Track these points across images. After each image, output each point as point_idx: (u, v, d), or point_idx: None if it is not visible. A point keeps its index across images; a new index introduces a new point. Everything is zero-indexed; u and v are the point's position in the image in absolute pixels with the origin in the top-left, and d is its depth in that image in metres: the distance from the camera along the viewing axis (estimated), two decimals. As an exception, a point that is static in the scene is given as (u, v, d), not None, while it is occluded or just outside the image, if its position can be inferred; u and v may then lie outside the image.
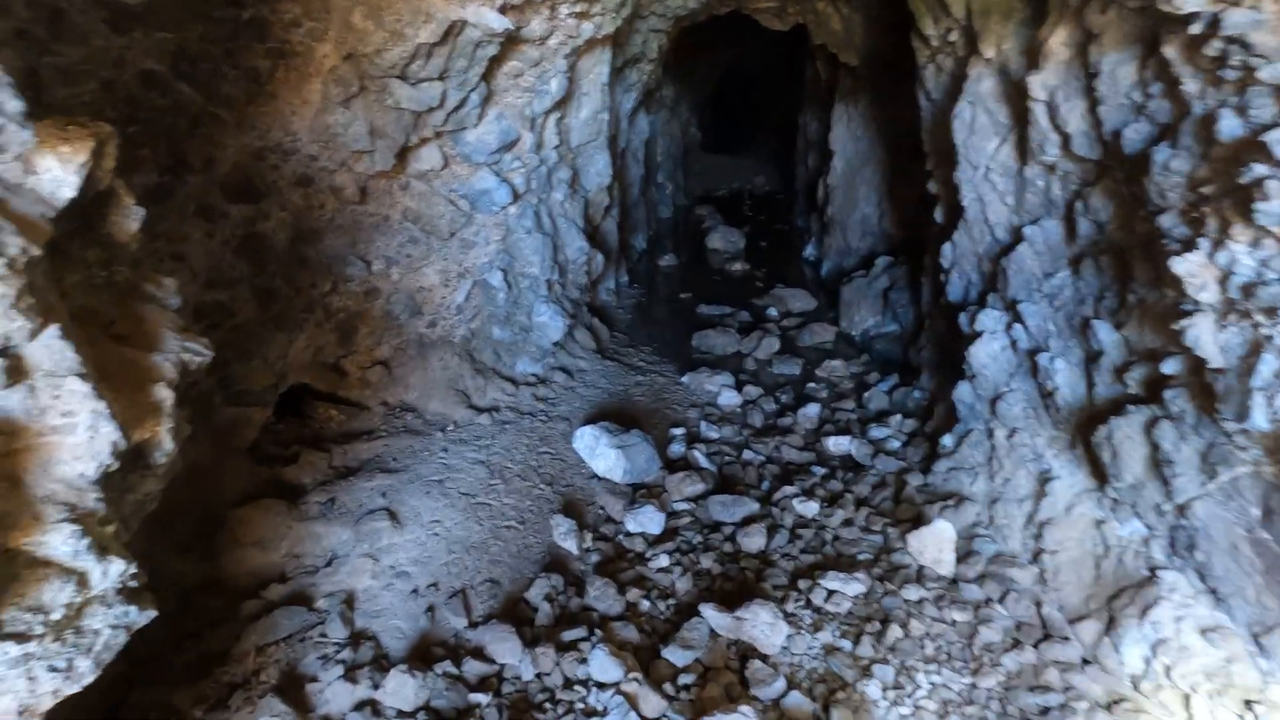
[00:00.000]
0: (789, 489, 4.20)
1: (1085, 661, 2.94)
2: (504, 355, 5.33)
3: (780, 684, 2.81)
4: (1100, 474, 3.17)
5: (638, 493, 4.17)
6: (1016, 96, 3.69)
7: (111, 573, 1.37)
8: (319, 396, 4.59)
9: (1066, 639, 3.03)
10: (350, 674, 2.75)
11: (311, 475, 3.99)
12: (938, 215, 5.12)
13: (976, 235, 4.31)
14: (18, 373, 1.29)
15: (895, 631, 3.10)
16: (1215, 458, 2.58)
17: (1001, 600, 3.26)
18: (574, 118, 5.63)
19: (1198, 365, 2.53)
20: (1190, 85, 2.45)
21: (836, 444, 4.86)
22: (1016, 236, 3.85)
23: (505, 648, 2.90)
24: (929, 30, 4.57)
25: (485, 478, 4.05)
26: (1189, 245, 2.43)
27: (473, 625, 3.07)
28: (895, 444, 4.89)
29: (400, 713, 2.63)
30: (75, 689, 1.36)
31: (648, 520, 3.82)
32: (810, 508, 4.02)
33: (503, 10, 3.74)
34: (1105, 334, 3.14)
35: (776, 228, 12.62)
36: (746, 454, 4.73)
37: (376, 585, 3.26)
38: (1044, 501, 3.47)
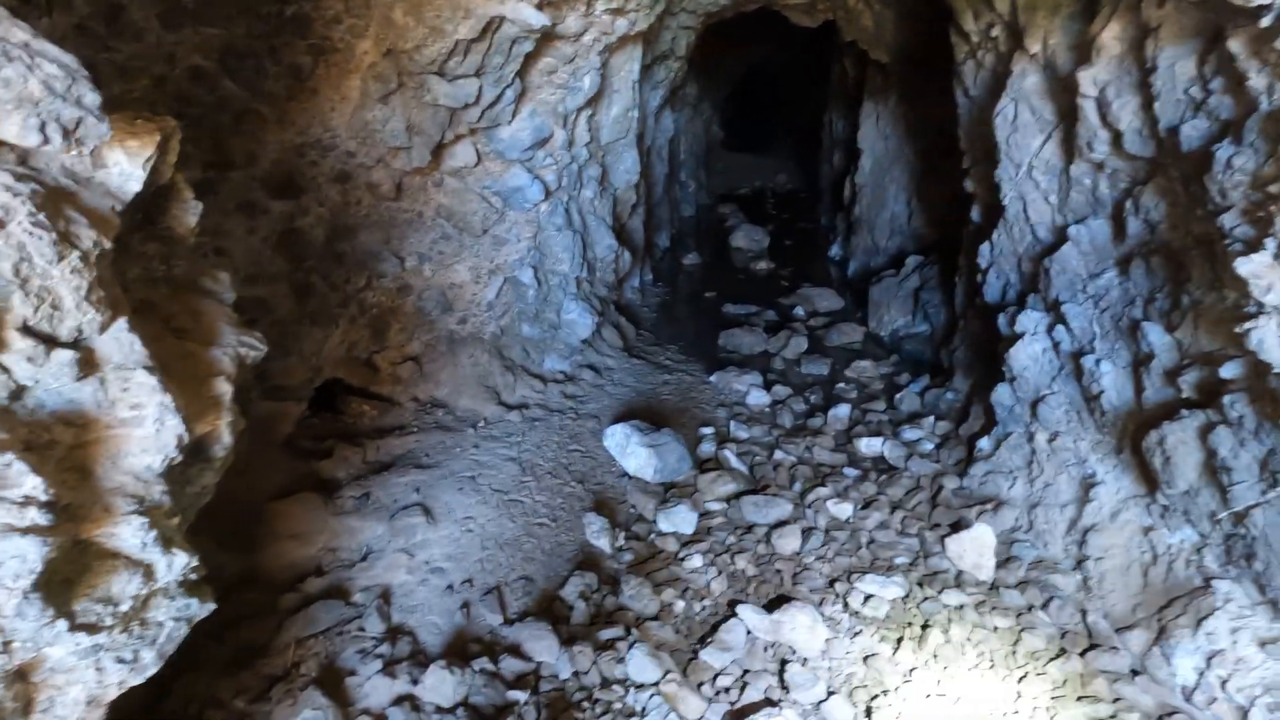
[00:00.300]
0: (822, 490, 4.15)
1: (1134, 672, 2.87)
2: (533, 352, 5.33)
3: (820, 688, 2.78)
4: (1150, 480, 3.09)
5: (669, 492, 4.14)
6: (1063, 93, 3.61)
7: (176, 565, 1.37)
8: (352, 391, 4.62)
9: (1115, 648, 2.96)
10: (389, 669, 2.76)
11: (346, 470, 4.01)
12: (974, 214, 5.04)
13: (1017, 235, 4.23)
14: (89, 365, 1.29)
15: (936, 636, 3.05)
16: (1277, 464, 2.50)
17: (1044, 607, 3.20)
18: (604, 115, 5.61)
19: (1260, 369, 2.45)
20: (1257, 80, 2.37)
21: (869, 445, 4.80)
22: (1060, 236, 3.77)
23: (542, 645, 2.89)
24: (969, 25, 4.49)
25: (517, 474, 4.05)
26: (1254, 246, 2.35)
27: (508, 622, 3.06)
28: (928, 446, 4.82)
29: (439, 708, 2.63)
30: (139, 680, 1.36)
31: (680, 520, 3.79)
32: (844, 510, 3.97)
33: (540, 6, 3.72)
34: (1156, 336, 3.05)
35: (800, 226, 12.53)
36: (778, 454, 4.69)
37: (412, 580, 3.27)
38: (1088, 507, 3.40)
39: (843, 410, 5.32)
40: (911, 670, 2.91)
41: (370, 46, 3.48)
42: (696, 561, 3.54)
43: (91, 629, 1.23)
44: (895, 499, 4.18)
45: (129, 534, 1.27)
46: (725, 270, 9.85)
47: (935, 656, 2.97)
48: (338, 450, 4.09)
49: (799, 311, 7.80)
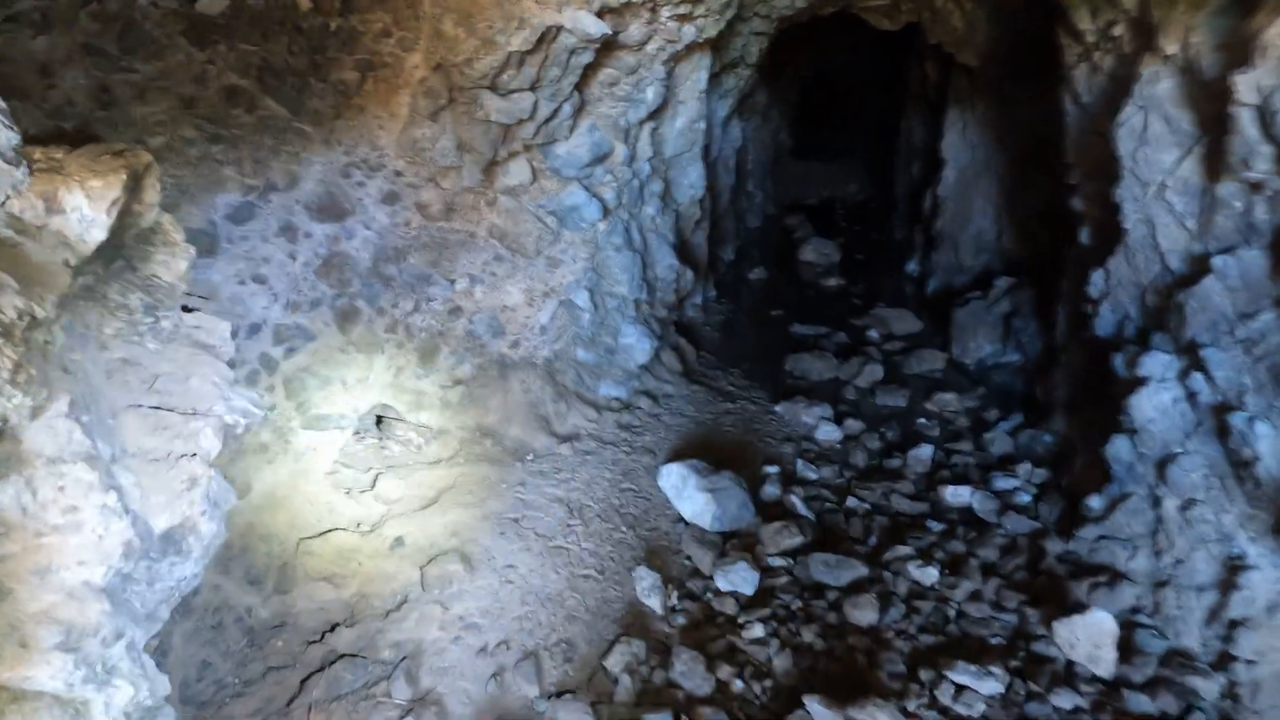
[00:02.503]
0: (902, 549, 3.68)
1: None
2: (587, 378, 5.04)
3: (903, 805, 2.35)
4: (1324, 573, 2.52)
5: (728, 543, 3.76)
6: (1208, 100, 3.06)
7: (117, 702, 1.11)
8: (398, 418, 4.45)
9: (1276, 782, 2.41)
10: (413, 745, 2.50)
11: (386, 504, 3.82)
12: (1083, 236, 4.45)
13: (1140, 263, 3.66)
14: (15, 461, 1.05)
15: (1044, 748, 2.57)
16: None
17: (1183, 718, 2.66)
18: (669, 127, 5.30)
19: None
20: None
21: (955, 494, 4.29)
22: (1200, 267, 3.20)
23: (581, 728, 2.58)
24: (1084, 24, 3.95)
25: (564, 517, 3.76)
26: None
27: (545, 695, 2.76)
28: (1024, 498, 4.26)
29: (464, 798, 2.35)
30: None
31: (740, 579, 3.41)
32: (928, 574, 3.50)
33: (600, 14, 3.44)
34: (1336, 397, 2.49)
35: (873, 239, 11.87)
36: (850, 501, 4.24)
37: (445, 638, 3.01)
38: (1235, 595, 2.83)
39: (925, 451, 4.81)
40: (1015, 789, 2.45)
41: (420, 61, 3.28)
42: (758, 630, 3.15)
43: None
44: (988, 561, 3.67)
45: (48, 676, 1.02)
46: (793, 286, 9.38)
47: (1044, 774, 2.49)
48: (379, 482, 3.90)
49: (873, 334, 7.26)
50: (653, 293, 5.48)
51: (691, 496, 3.86)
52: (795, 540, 3.77)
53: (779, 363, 6.44)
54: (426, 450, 4.37)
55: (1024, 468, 4.53)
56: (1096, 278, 4.06)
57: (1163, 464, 3.26)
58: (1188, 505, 3.11)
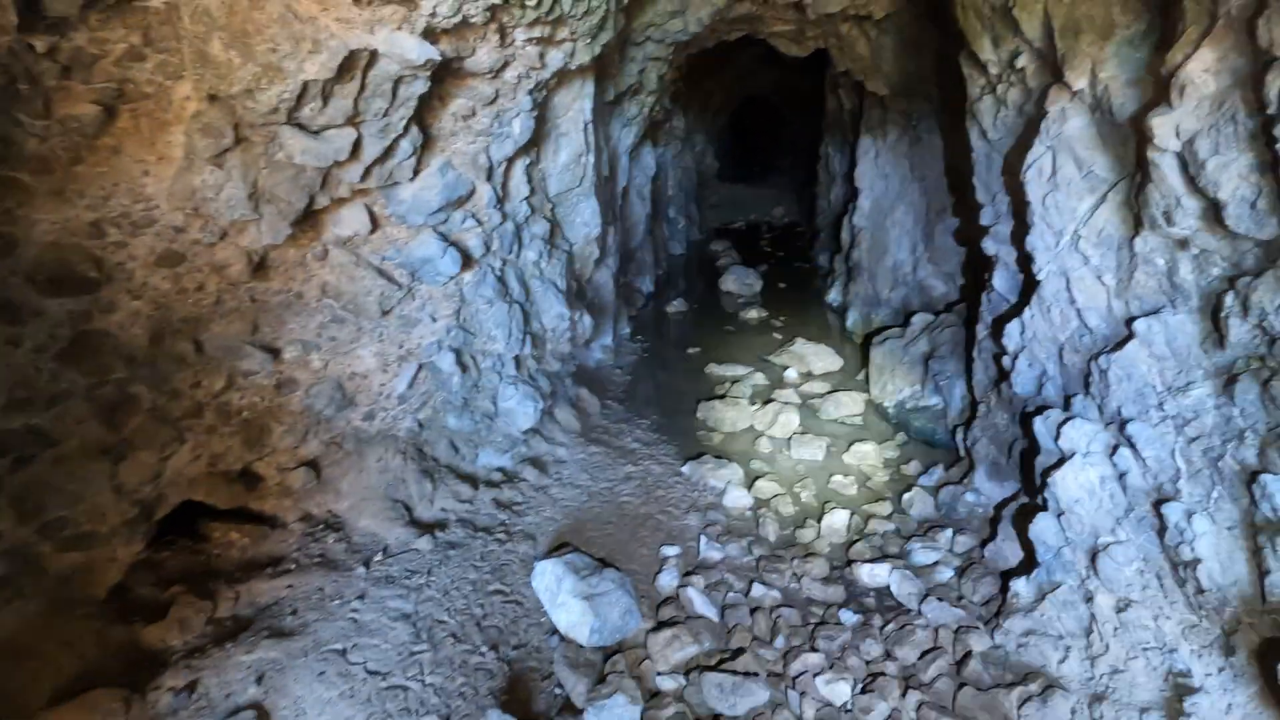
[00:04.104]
0: (812, 658, 3.15)
1: None
2: (463, 448, 4.39)
3: None
4: (1284, 710, 2.10)
5: (609, 661, 3.15)
6: (1122, 142, 2.69)
7: None
8: (221, 514, 3.69)
9: None
10: None
11: (182, 635, 3.05)
12: (997, 282, 4.10)
13: (1057, 319, 3.29)
14: None
15: None
16: None
17: None
18: (550, 163, 4.74)
19: None
20: None
21: (872, 575, 3.82)
22: (1123, 330, 2.82)
23: None
24: (986, 54, 3.60)
25: (407, 641, 3.07)
26: None
27: None
28: (946, 573, 3.83)
29: None
30: None
31: (617, 717, 2.80)
32: (840, 691, 2.98)
33: (430, 37, 2.85)
34: (1286, 498, 2.10)
35: (796, 266, 11.66)
36: (757, 589, 3.70)
37: (217, 845, 2.29)
38: (1182, 722, 2.40)
39: (840, 519, 4.34)
40: None
41: (190, 91, 2.60)
42: (632, 791, 2.54)
43: None
44: (907, 666, 3.18)
45: None
46: (713, 319, 8.95)
47: None
48: (176, 606, 3.13)
49: (792, 374, 6.86)
50: (540, 345, 4.87)
51: (567, 604, 3.24)
52: (690, 650, 3.20)
53: (692, 410, 5.94)
54: (254, 550, 3.62)
55: (945, 536, 4.12)
56: (1012, 330, 3.69)
57: (1094, 554, 2.85)
58: (1124, 606, 2.70)
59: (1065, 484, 2.96)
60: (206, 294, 3.09)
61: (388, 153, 3.22)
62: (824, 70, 10.24)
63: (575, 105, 4.60)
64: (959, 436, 4.93)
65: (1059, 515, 3.04)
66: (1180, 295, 2.56)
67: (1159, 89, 2.38)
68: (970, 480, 4.51)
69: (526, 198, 4.42)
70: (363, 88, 2.84)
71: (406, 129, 3.23)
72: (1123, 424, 2.79)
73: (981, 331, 4.50)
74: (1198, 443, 2.47)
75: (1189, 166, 2.30)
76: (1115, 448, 2.83)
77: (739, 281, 10.17)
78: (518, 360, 4.55)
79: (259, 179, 2.83)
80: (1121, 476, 2.79)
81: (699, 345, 7.80)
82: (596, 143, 5.36)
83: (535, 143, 4.44)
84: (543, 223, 4.73)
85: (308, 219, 3.25)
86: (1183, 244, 2.47)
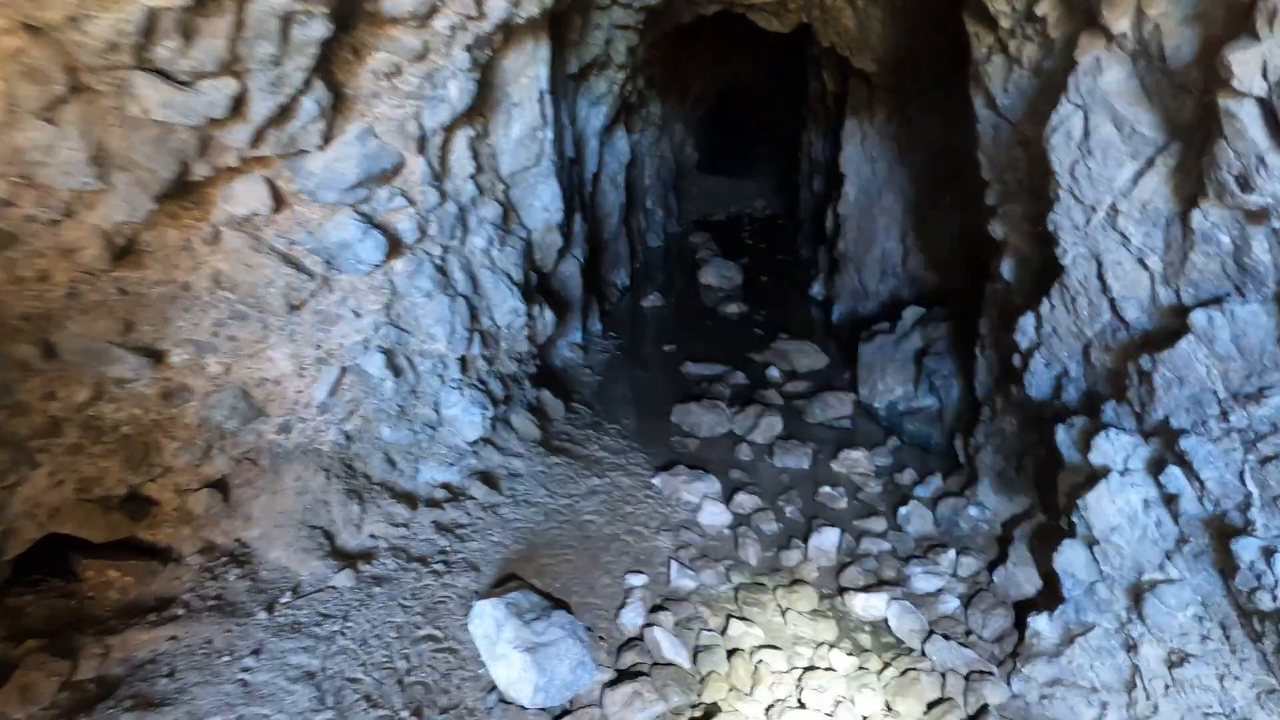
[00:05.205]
0: (799, 718, 2.64)
1: None
2: (401, 462, 3.82)
3: None
4: None
5: (557, 727, 2.62)
6: (1176, 94, 2.20)
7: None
8: (101, 548, 3.10)
9: None
10: None
11: (24, 707, 2.47)
12: (1005, 270, 3.62)
13: (1084, 310, 2.80)
14: None
15: None
16: None
17: None
18: (501, 137, 4.17)
19: None
20: None
21: (867, 606, 3.33)
22: (1173, 322, 2.34)
23: None
24: (999, 5, 3.10)
25: (307, 710, 2.51)
26: None
27: None
28: (951, 604, 3.35)
29: None
30: None
31: (562, 805, 2.27)
32: (835, 761, 2.47)
33: (325, -39, 2.28)
34: None
35: (778, 259, 11.18)
36: (735, 627, 3.19)
37: None
38: (1261, 814, 1.92)
39: (829, 538, 3.85)
40: None
41: (5, 22, 2.01)
42: None
43: None
44: (913, 722, 2.69)
45: None
46: (691, 314, 8.44)
47: None
48: (23, 669, 2.55)
49: (774, 373, 6.36)
50: (492, 344, 4.31)
51: (507, 656, 2.69)
52: (654, 710, 2.68)
53: (666, 414, 5.41)
54: (138, 591, 3.03)
55: (947, 557, 3.64)
56: (1025, 324, 3.20)
57: (1137, 593, 2.36)
58: (1178, 660, 2.21)
59: (1100, 507, 2.48)
60: (54, 285, 2.50)
61: (285, 113, 2.65)
62: (804, 55, 9.76)
63: (528, 71, 4.04)
64: (958, 442, 4.46)
65: (1091, 545, 2.56)
66: (1252, 280, 2.08)
67: (1234, 18, 1.88)
68: (973, 492, 4.04)
69: (472, 175, 3.86)
70: (240, 24, 2.27)
71: (309, 84, 2.65)
72: (1172, 437, 2.31)
73: (985, 326, 4.02)
74: (1275, 463, 1.99)
75: (1273, 117, 1.81)
76: (1162, 465, 2.34)
77: (718, 274, 9.66)
78: (464, 361, 3.99)
79: (105, 138, 2.24)
80: (1171, 501, 2.30)
81: (675, 342, 7.28)
82: (557, 118, 4.80)
83: (481, 112, 3.88)
84: (494, 206, 4.17)
85: (187, 193, 2.67)
86: (1258, 216, 1.98)
